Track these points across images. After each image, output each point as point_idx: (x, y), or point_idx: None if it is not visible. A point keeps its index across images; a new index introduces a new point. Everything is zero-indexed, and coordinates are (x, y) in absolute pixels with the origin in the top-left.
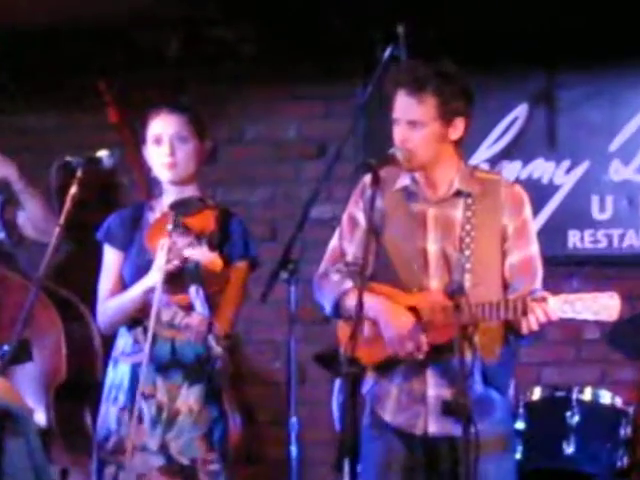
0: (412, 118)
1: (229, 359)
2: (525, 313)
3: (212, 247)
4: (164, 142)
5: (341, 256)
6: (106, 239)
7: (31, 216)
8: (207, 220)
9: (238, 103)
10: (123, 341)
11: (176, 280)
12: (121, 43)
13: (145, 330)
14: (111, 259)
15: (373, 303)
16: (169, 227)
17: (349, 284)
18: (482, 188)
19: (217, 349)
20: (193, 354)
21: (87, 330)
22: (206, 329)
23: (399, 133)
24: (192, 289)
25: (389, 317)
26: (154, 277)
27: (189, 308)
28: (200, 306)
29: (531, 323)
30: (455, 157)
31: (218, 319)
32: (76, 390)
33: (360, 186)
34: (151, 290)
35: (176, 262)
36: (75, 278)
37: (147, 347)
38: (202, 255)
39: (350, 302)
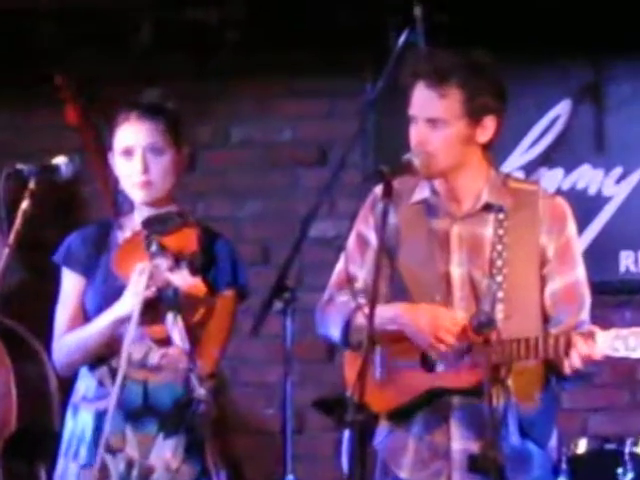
0: (433, 115)
1: (214, 404)
2: (569, 352)
3: (194, 271)
4: (135, 155)
5: (348, 282)
6: (65, 262)
7: None
8: (187, 239)
9: (223, 100)
10: (85, 384)
11: (151, 309)
12: (85, 29)
13: (112, 371)
14: (71, 286)
15: (391, 313)
16: (153, 249)
17: (360, 302)
18: (516, 201)
19: (200, 391)
20: (170, 399)
21: (42, 370)
22: (186, 367)
23: (416, 133)
24: (169, 318)
25: (413, 315)
26: (128, 305)
27: (165, 342)
28: (179, 339)
29: (573, 361)
30: (483, 164)
31: (201, 356)
32: (28, 443)
33: (370, 199)
34: (123, 321)
35: (154, 288)
36: (27, 308)
37: (116, 390)
38: (182, 280)
39: (363, 319)
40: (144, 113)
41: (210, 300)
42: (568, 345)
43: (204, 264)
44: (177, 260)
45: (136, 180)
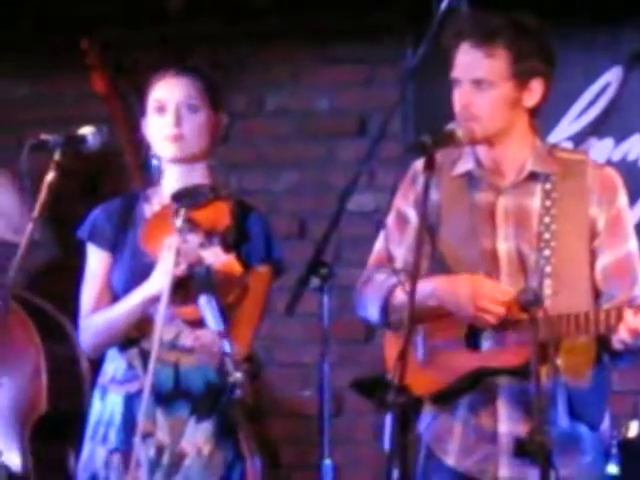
0: (478, 76)
1: (250, 388)
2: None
3: (226, 248)
4: (169, 110)
5: (388, 261)
6: (90, 238)
7: (2, 211)
8: (220, 214)
9: (257, 67)
10: (114, 366)
11: (182, 288)
12: None
13: (142, 352)
14: (97, 263)
15: (429, 287)
16: (178, 222)
17: (399, 279)
18: (563, 170)
19: (237, 375)
20: (202, 382)
21: (72, 351)
22: (221, 351)
23: (461, 96)
24: (202, 299)
25: (452, 286)
26: (158, 283)
27: (197, 324)
28: (213, 321)
29: (621, 334)
30: (529, 132)
31: (235, 338)
32: (58, 425)
33: (410, 174)
34: (154, 300)
35: (184, 266)
36: (57, 286)
37: (149, 377)
38: (215, 257)
39: (401, 297)
40: (180, 71)
41: (245, 278)
42: (619, 319)
43: (237, 240)
44: (209, 236)
45: (167, 132)
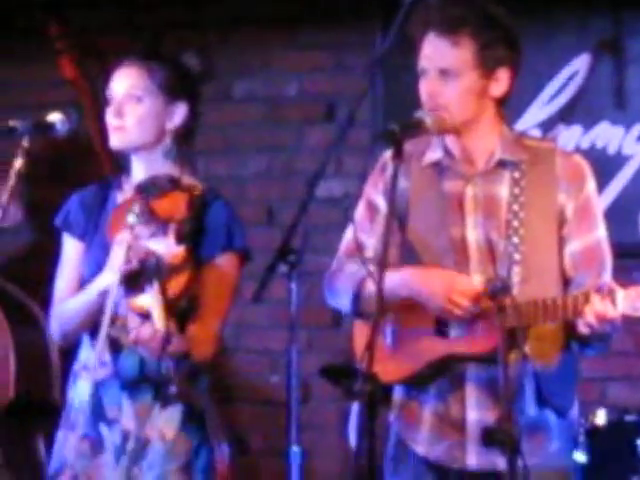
0: (444, 65)
1: (187, 386)
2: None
3: (180, 238)
4: (113, 101)
5: (358, 251)
6: (64, 226)
7: None
8: (177, 204)
9: (225, 52)
10: (86, 353)
11: (134, 279)
12: None
13: (110, 340)
14: (70, 251)
15: (401, 277)
16: (130, 218)
17: (370, 269)
18: (532, 158)
19: (170, 373)
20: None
21: (42, 338)
22: (160, 344)
23: (427, 86)
24: (147, 289)
25: (425, 278)
26: (108, 278)
27: (146, 315)
28: (157, 313)
29: (587, 318)
30: (497, 121)
31: (199, 332)
32: (27, 414)
33: (380, 163)
34: (106, 293)
35: (136, 261)
36: (27, 273)
37: (95, 360)
38: (166, 248)
39: (372, 288)
40: (133, 60)
41: (192, 269)
42: (586, 303)
43: (194, 230)
44: (165, 226)
45: (110, 123)
